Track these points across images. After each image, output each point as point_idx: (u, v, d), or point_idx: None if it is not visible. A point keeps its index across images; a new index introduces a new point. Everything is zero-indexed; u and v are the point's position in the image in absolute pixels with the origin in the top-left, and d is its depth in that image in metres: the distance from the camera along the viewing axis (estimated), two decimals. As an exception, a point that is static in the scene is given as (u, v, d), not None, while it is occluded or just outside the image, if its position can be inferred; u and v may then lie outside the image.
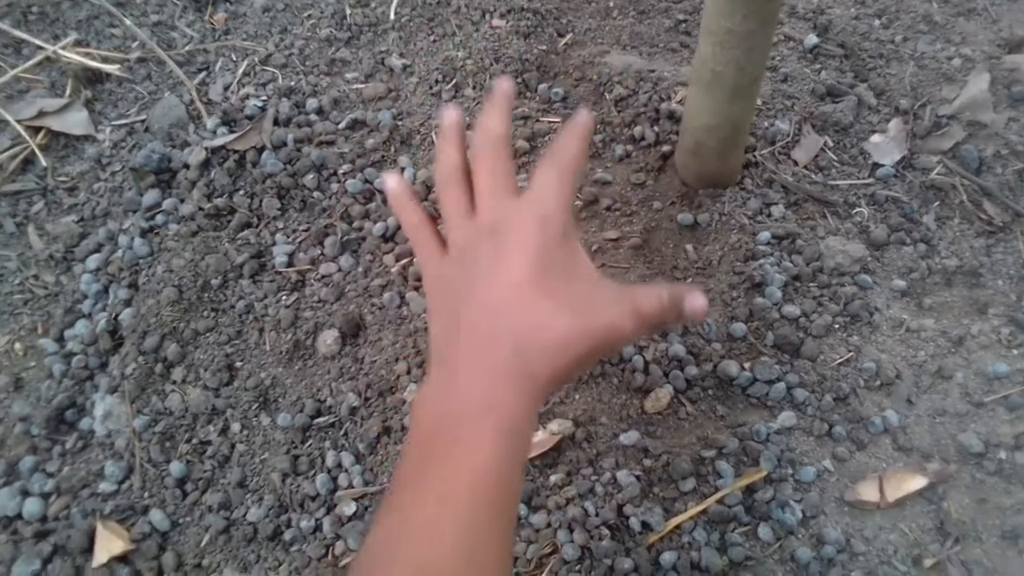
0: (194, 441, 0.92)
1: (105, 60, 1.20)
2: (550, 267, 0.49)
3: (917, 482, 0.86)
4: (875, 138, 1.11)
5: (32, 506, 0.88)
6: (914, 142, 1.10)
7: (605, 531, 0.82)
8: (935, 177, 1.07)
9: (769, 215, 1.03)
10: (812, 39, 1.20)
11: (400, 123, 1.12)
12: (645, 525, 0.83)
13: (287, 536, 0.86)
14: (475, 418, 0.46)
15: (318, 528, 0.86)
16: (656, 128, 1.09)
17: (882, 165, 1.08)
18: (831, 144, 1.11)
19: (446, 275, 0.54)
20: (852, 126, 1.12)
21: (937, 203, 1.06)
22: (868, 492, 0.86)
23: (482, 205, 0.53)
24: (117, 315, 0.99)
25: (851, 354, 0.94)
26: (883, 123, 1.12)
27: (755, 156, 1.07)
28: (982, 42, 1.20)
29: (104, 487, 0.90)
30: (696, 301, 0.50)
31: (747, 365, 0.92)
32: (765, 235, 1.01)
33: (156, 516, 0.88)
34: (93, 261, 1.04)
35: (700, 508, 0.84)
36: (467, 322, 0.50)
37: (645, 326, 0.50)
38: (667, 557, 0.81)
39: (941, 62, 1.18)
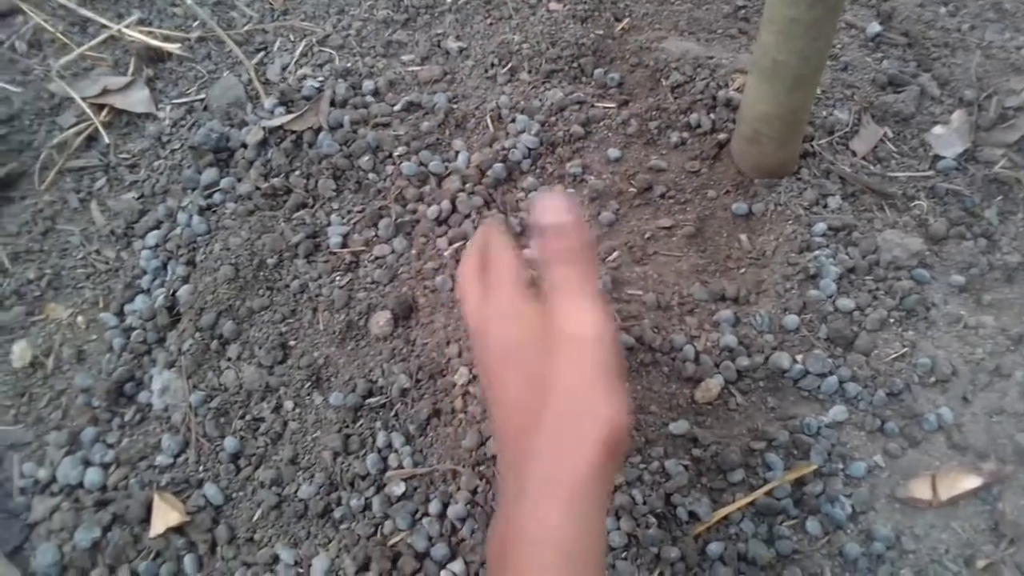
0: (248, 418, 0.94)
1: (166, 39, 1.22)
2: None
3: (971, 481, 0.84)
4: (937, 129, 1.09)
5: (93, 476, 0.91)
6: (978, 134, 1.08)
7: (652, 519, 0.83)
8: (999, 171, 1.04)
9: (825, 206, 1.02)
10: (875, 27, 1.18)
11: (455, 106, 1.13)
12: (692, 515, 0.83)
13: (337, 514, 0.88)
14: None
15: (367, 507, 0.88)
16: (712, 116, 1.08)
17: (943, 157, 1.06)
18: (891, 135, 1.08)
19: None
20: (913, 117, 1.10)
21: (1000, 197, 1.04)
22: (920, 490, 0.85)
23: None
24: (175, 291, 1.01)
25: (906, 349, 0.93)
26: (946, 114, 1.10)
27: (813, 146, 1.06)
28: (1053, 32, 1.17)
29: (161, 460, 0.92)
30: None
31: (799, 357, 0.92)
32: (821, 226, 0.99)
33: (210, 490, 0.90)
34: (152, 237, 1.06)
35: (748, 500, 0.84)
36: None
37: None
38: (714, 547, 0.81)
39: (1010, 52, 1.15)
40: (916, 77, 1.13)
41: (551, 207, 0.52)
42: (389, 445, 0.90)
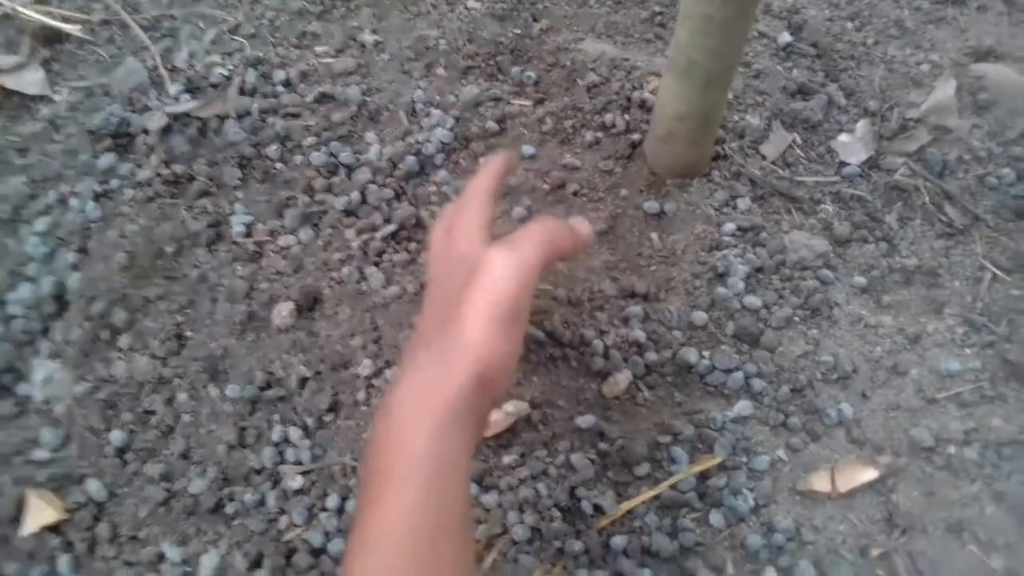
0: (138, 410, 0.89)
1: (66, 20, 1.16)
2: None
3: (868, 474, 0.86)
4: (843, 137, 1.11)
5: (-37, 470, 0.85)
6: (881, 143, 1.11)
7: (556, 513, 0.81)
8: (899, 178, 1.07)
9: (735, 207, 1.03)
10: (786, 37, 1.20)
11: (369, 99, 1.11)
12: (597, 508, 0.82)
13: (229, 509, 0.84)
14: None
15: (262, 502, 0.84)
16: (627, 116, 1.08)
17: (848, 164, 1.09)
18: (799, 141, 1.11)
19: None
20: (821, 124, 1.12)
21: (900, 203, 1.06)
22: (820, 483, 0.85)
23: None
24: (64, 279, 0.96)
25: (810, 347, 0.94)
26: (851, 123, 1.13)
27: (724, 149, 1.07)
28: (950, 49, 1.22)
29: (39, 455, 0.87)
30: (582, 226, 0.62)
31: (706, 353, 0.92)
32: (730, 226, 1.00)
33: (93, 486, 0.85)
34: (41, 223, 1.01)
35: (653, 493, 0.83)
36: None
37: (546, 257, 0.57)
38: (618, 541, 0.80)
39: (910, 67, 1.19)
40: (824, 87, 1.16)
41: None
42: (286, 439, 0.87)
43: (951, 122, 1.12)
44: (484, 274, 0.52)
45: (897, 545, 0.82)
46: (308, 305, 0.94)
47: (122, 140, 1.06)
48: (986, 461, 0.88)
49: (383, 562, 0.44)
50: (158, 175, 1.02)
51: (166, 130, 1.06)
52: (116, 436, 0.87)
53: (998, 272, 1.01)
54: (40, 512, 0.82)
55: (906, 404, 0.91)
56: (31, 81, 1.11)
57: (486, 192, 0.67)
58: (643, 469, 0.85)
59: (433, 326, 0.54)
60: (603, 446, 0.85)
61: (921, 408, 0.91)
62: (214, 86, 1.10)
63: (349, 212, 1.01)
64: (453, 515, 0.46)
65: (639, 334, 0.92)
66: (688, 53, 0.88)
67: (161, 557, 0.81)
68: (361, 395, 0.88)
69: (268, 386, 0.90)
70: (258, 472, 0.86)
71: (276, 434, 0.87)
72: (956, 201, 1.06)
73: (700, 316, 0.94)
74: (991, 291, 1.00)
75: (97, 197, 1.02)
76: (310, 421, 0.87)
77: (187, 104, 1.07)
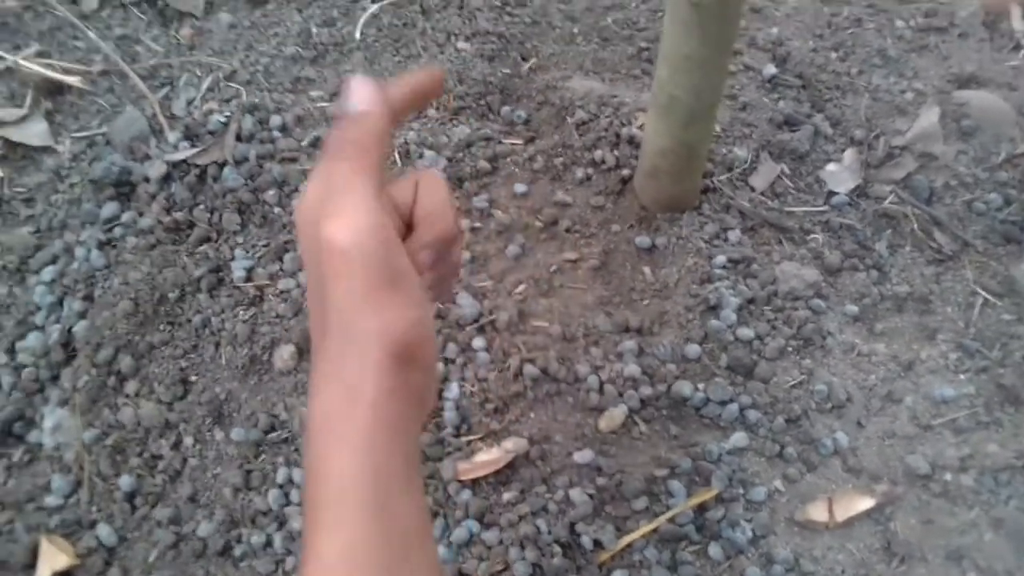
0: (145, 455, 0.91)
1: (67, 72, 1.19)
2: None
3: (865, 503, 0.87)
4: (830, 167, 1.13)
5: (-25, 520, 0.87)
6: (868, 171, 1.13)
7: (557, 548, 0.82)
8: (888, 206, 1.09)
9: (726, 239, 1.05)
10: (771, 69, 1.23)
11: (363, 141, 1.13)
12: (597, 543, 0.83)
13: (237, 552, 0.85)
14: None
15: (269, 543, 0.85)
16: (616, 152, 1.10)
17: (837, 193, 1.11)
18: (787, 172, 1.13)
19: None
20: (808, 155, 1.14)
21: (889, 231, 1.08)
22: (817, 513, 0.87)
23: None
24: (71, 327, 0.98)
25: (803, 377, 0.95)
26: (838, 152, 1.15)
27: (713, 182, 1.09)
28: (933, 77, 1.24)
29: (50, 501, 0.88)
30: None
31: (701, 386, 0.93)
32: (721, 259, 1.02)
33: (103, 531, 0.86)
34: (48, 273, 1.03)
35: (652, 527, 0.84)
36: None
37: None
38: (618, 575, 0.81)
39: (895, 95, 1.21)
40: (810, 117, 1.18)
41: (353, 92, 0.43)
42: (291, 480, 0.88)
43: (937, 149, 1.14)
44: (330, 249, 0.40)
45: (896, 574, 0.83)
46: (309, 347, 0.96)
47: (124, 189, 1.09)
48: (983, 487, 0.89)
49: None
50: (159, 222, 1.05)
51: (166, 178, 1.08)
52: (125, 481, 0.89)
53: (989, 297, 1.03)
54: (52, 557, 0.84)
55: (901, 431, 0.92)
56: (35, 133, 1.14)
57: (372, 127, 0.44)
58: (641, 503, 0.86)
59: (319, 333, 0.43)
60: (601, 481, 0.87)
61: (916, 435, 0.92)
62: (212, 133, 1.13)
63: (347, 254, 1.02)
64: (402, 538, 0.39)
65: (634, 368, 0.93)
66: (669, 91, 0.91)
67: (169, 602, 0.83)
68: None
69: (272, 428, 0.91)
70: (264, 514, 0.87)
71: (281, 476, 0.88)
72: (945, 227, 1.08)
73: (694, 349, 0.95)
74: (983, 316, 1.02)
75: (101, 245, 1.04)
76: (313, 463, 0.89)
77: (186, 152, 1.10)
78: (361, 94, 0.43)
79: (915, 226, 1.08)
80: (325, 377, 0.41)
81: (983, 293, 1.03)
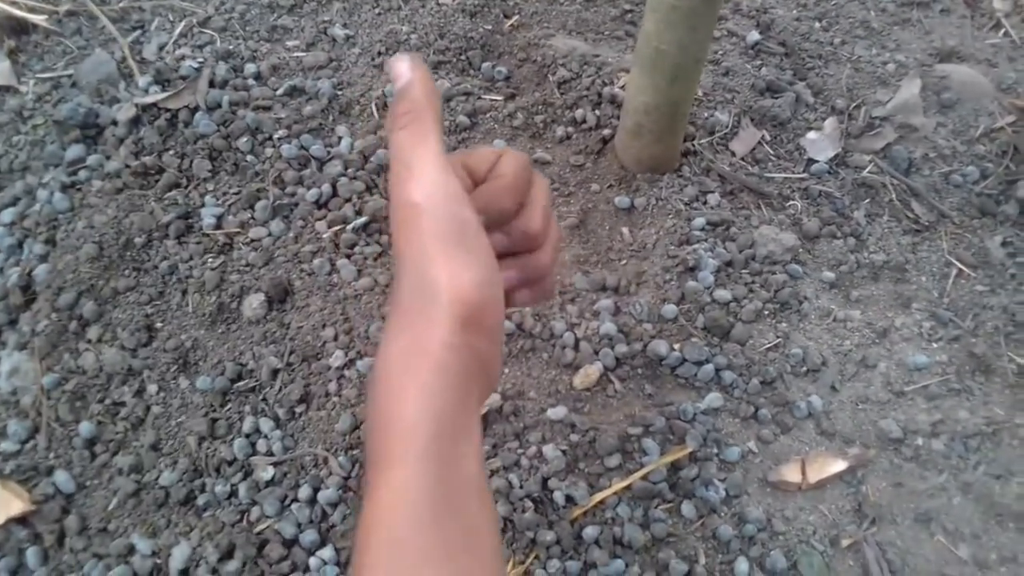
0: (107, 402, 0.88)
1: (32, 10, 1.15)
2: None
3: (838, 465, 0.87)
4: (811, 135, 1.13)
5: (-74, 462, 0.84)
6: (848, 141, 1.12)
7: (529, 504, 0.81)
8: (867, 175, 1.09)
9: (705, 202, 1.04)
10: (754, 36, 1.22)
11: (340, 92, 1.10)
12: (569, 499, 0.82)
13: (200, 501, 0.83)
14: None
15: (233, 493, 0.83)
16: (597, 112, 1.09)
17: (817, 161, 1.10)
18: (768, 138, 1.12)
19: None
20: (789, 122, 1.14)
21: (867, 200, 1.08)
22: (790, 474, 0.86)
23: None
24: (31, 271, 0.95)
25: (779, 340, 0.95)
26: (819, 121, 1.14)
27: (694, 145, 1.08)
28: (915, 50, 1.24)
29: (6, 446, 0.86)
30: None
31: (677, 346, 0.92)
32: (700, 221, 1.01)
33: (61, 477, 0.84)
34: (8, 215, 0.99)
35: (625, 484, 0.84)
36: None
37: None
38: (590, 531, 0.80)
39: (876, 66, 1.21)
40: (792, 85, 1.17)
41: (393, 70, 0.47)
42: (257, 430, 0.86)
43: (916, 120, 1.14)
44: (402, 207, 0.44)
45: (867, 535, 0.83)
46: (279, 297, 0.94)
47: (90, 131, 1.05)
48: (953, 452, 0.89)
49: (384, 553, 0.39)
50: (127, 166, 1.01)
51: (135, 121, 1.05)
52: (85, 428, 0.86)
53: (964, 268, 1.03)
54: (7, 503, 0.81)
55: (874, 397, 0.92)
56: (-3, 71, 1.10)
57: (426, 106, 0.47)
58: (614, 460, 0.85)
59: (402, 291, 0.45)
60: (574, 437, 0.86)
61: (889, 400, 0.93)
62: (184, 78, 1.09)
63: (320, 204, 1.00)
64: (458, 483, 0.41)
65: (610, 327, 0.92)
66: (655, 44, 0.89)
67: (131, 549, 0.80)
68: (333, 386, 0.88)
69: (239, 377, 0.89)
70: (229, 463, 0.85)
71: (247, 425, 0.86)
72: (922, 198, 1.08)
73: (670, 309, 0.95)
74: (957, 286, 1.02)
75: (65, 188, 1.01)
76: (281, 412, 0.87)
77: (157, 95, 1.06)
78: (399, 68, 0.46)
79: (893, 196, 1.08)
80: (395, 326, 0.43)
81: (958, 264, 1.03)
